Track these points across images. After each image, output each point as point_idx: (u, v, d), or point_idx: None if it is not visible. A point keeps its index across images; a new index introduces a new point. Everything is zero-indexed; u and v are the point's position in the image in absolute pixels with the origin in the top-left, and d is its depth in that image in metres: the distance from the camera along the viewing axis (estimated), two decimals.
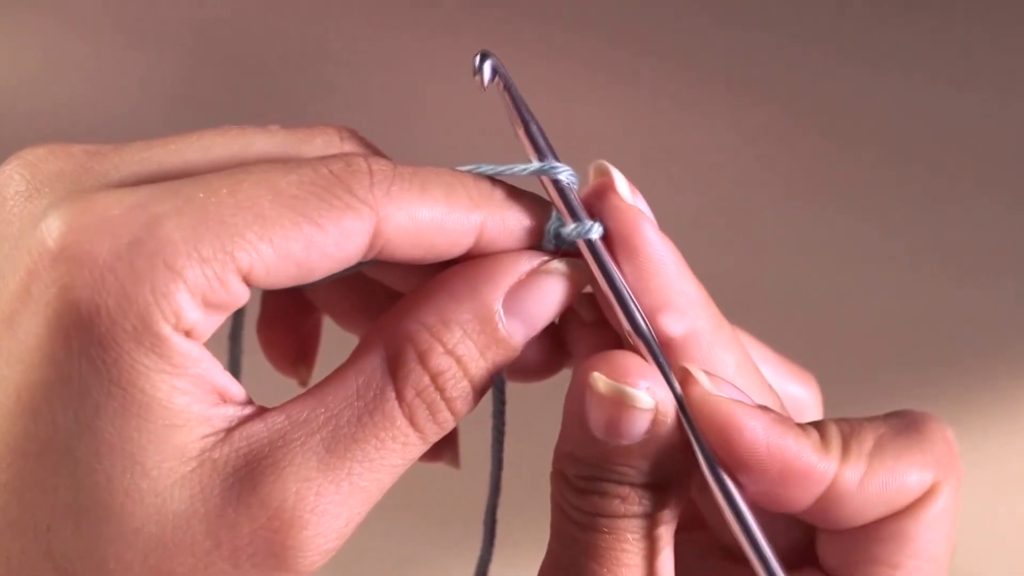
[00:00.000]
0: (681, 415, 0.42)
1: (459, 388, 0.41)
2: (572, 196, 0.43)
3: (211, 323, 0.39)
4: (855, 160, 1.02)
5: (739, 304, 0.53)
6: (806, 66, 1.06)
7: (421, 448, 0.41)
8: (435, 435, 0.41)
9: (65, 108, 1.04)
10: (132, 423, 0.38)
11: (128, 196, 0.39)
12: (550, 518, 0.43)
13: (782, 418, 0.42)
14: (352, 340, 0.44)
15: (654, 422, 0.41)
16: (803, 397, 0.50)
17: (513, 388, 0.46)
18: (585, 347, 0.45)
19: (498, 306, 0.42)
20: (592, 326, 0.45)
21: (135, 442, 0.38)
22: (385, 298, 0.47)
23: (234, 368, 0.51)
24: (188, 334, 0.39)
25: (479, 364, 0.42)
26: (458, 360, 0.41)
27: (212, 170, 0.40)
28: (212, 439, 0.39)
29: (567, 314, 0.44)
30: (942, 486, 0.43)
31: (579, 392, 0.41)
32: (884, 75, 1.06)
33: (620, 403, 0.41)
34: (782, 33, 1.08)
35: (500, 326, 0.42)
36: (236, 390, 0.40)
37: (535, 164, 0.43)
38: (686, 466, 0.42)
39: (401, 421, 0.41)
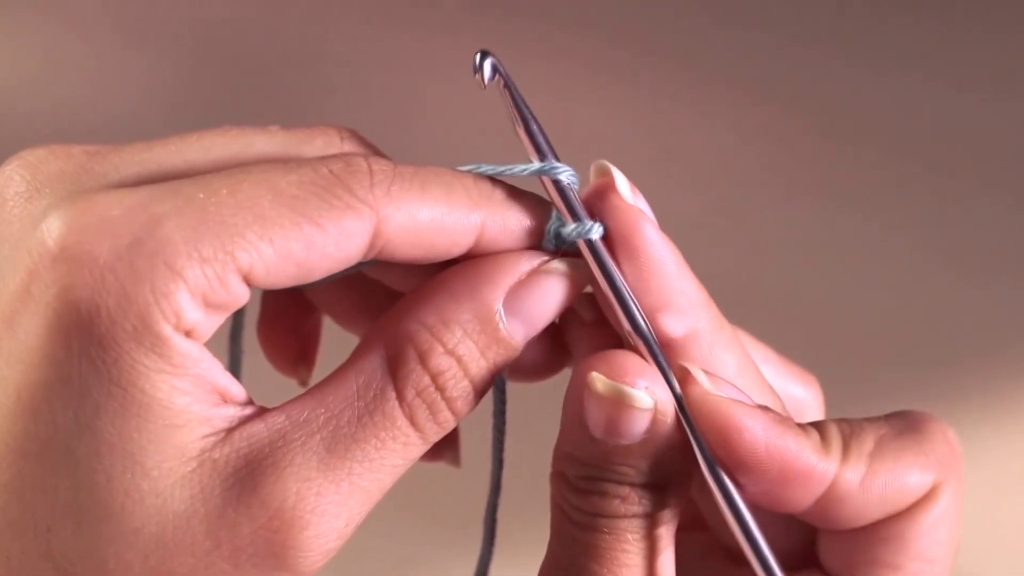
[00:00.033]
0: (680, 415, 0.42)
1: (460, 388, 0.41)
2: (572, 196, 0.43)
3: (211, 323, 0.39)
4: (855, 160, 1.02)
5: (740, 304, 0.53)
6: (806, 66, 1.06)
7: (422, 448, 0.41)
8: (436, 435, 0.41)
9: (65, 109, 1.04)
10: (132, 423, 0.38)
11: (128, 196, 0.39)
12: (550, 518, 0.43)
13: (782, 418, 0.42)
14: (352, 340, 0.44)
15: (654, 422, 0.41)
16: (804, 398, 0.50)
17: (513, 388, 0.46)
18: (585, 347, 0.45)
19: (498, 306, 0.42)
20: (592, 326, 0.45)
21: (135, 442, 0.38)
22: (385, 298, 0.47)
23: (234, 368, 0.51)
24: (188, 334, 0.38)
25: (479, 364, 0.41)
26: (458, 360, 0.41)
27: (212, 170, 0.40)
28: (212, 439, 0.39)
29: (567, 314, 0.44)
30: (943, 487, 0.43)
31: (578, 392, 0.41)
32: (884, 74, 1.06)
33: (619, 403, 0.41)
34: (782, 33, 1.08)
35: (500, 326, 0.42)
36: (236, 390, 0.40)
37: (535, 164, 0.43)
38: (686, 466, 0.42)
39: (401, 421, 0.40)
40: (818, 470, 0.42)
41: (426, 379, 0.41)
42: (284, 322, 0.52)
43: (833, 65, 1.06)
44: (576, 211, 0.42)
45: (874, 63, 1.06)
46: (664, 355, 0.42)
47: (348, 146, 0.44)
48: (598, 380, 0.41)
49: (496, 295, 0.42)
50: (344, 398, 0.40)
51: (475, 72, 0.43)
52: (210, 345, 0.40)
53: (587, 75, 1.05)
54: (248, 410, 0.40)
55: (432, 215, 0.41)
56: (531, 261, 0.42)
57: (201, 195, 0.39)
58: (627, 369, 0.41)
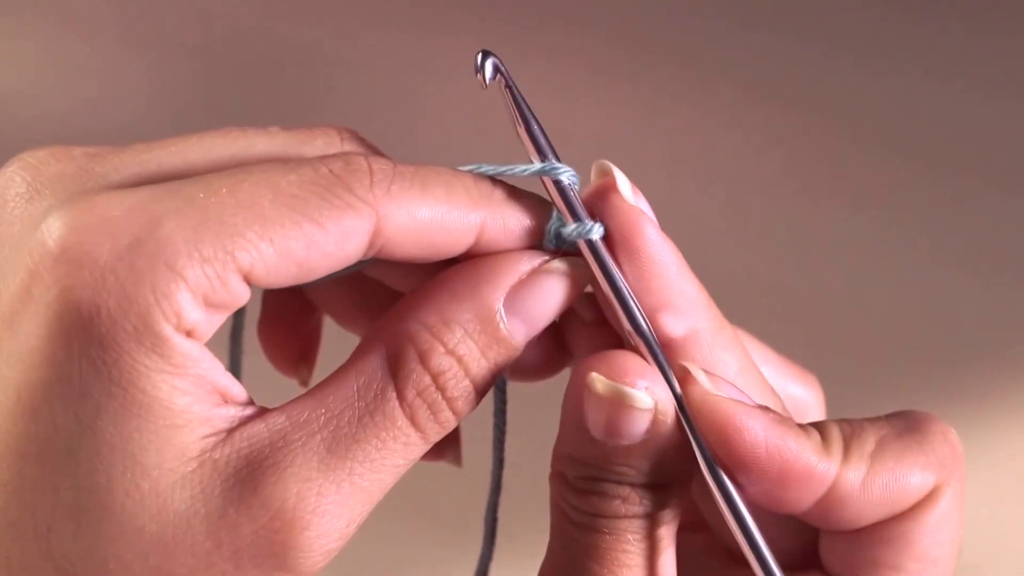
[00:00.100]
0: (680, 415, 0.42)
1: (460, 388, 0.41)
2: (573, 196, 0.43)
3: (212, 323, 0.39)
4: (856, 160, 1.02)
5: (740, 304, 0.53)
6: (808, 65, 1.06)
7: (423, 448, 0.41)
8: (437, 435, 0.41)
9: (68, 113, 1.04)
10: (133, 423, 0.38)
11: (128, 197, 0.39)
12: (549, 519, 0.43)
13: (782, 418, 0.42)
14: (353, 340, 0.44)
15: (654, 422, 0.41)
16: (805, 398, 0.50)
17: (514, 387, 0.46)
18: (585, 347, 0.45)
19: (499, 306, 0.42)
20: (592, 326, 0.45)
21: (136, 442, 0.38)
22: (385, 298, 0.47)
23: (235, 368, 0.51)
24: (189, 334, 0.38)
25: (480, 364, 0.41)
26: (459, 360, 0.41)
27: (213, 171, 0.40)
28: (213, 439, 0.39)
29: (568, 314, 0.44)
30: (944, 488, 0.43)
31: (577, 393, 0.41)
32: (886, 73, 1.05)
33: (619, 403, 0.41)
34: (784, 32, 1.08)
35: (501, 326, 0.42)
36: (237, 391, 0.40)
37: (536, 165, 0.43)
38: (687, 466, 0.42)
39: (402, 421, 0.40)
40: (819, 470, 0.42)
41: (427, 379, 0.41)
42: (285, 322, 0.52)
43: (835, 65, 1.06)
44: (577, 211, 0.42)
45: (876, 62, 1.06)
46: (664, 355, 0.42)
47: (348, 146, 0.44)
48: (598, 381, 0.41)
49: (497, 295, 0.42)
50: (345, 398, 0.40)
51: (476, 72, 0.43)
52: (211, 345, 0.40)
53: (588, 75, 1.05)
54: (249, 410, 0.40)
55: (432, 214, 0.41)
56: (532, 261, 0.42)
57: (201, 195, 0.39)
58: (627, 369, 0.41)
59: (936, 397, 0.89)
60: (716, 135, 1.03)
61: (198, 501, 0.39)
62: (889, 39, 1.07)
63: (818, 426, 0.43)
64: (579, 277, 0.43)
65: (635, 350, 0.42)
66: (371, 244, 0.40)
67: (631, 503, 0.41)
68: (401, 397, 0.41)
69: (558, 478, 0.42)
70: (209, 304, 0.39)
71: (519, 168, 0.43)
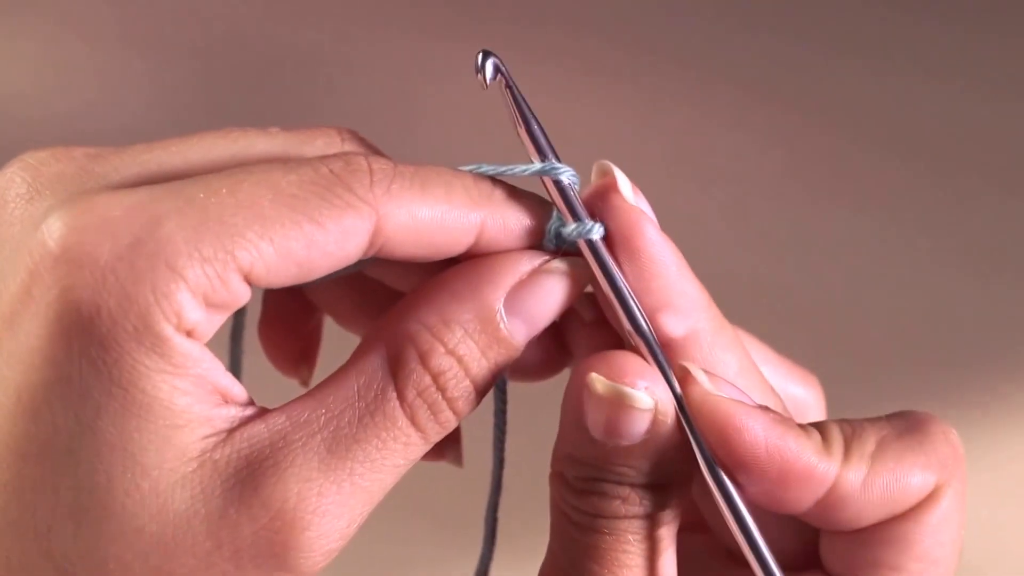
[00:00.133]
0: (680, 415, 0.42)
1: (461, 388, 0.41)
2: (573, 196, 0.43)
3: (212, 323, 0.39)
4: (856, 160, 1.02)
5: (741, 304, 0.53)
6: (808, 66, 1.06)
7: (423, 448, 0.41)
8: (437, 435, 0.41)
9: (69, 115, 1.04)
10: (133, 423, 0.38)
11: (128, 197, 0.39)
12: (549, 519, 0.43)
13: (783, 419, 0.42)
14: (353, 340, 0.44)
15: (654, 422, 0.41)
16: (805, 398, 0.50)
17: (514, 387, 0.46)
18: (585, 347, 0.45)
19: (499, 306, 0.42)
20: (592, 326, 0.45)
21: (136, 442, 0.38)
22: (386, 298, 0.47)
23: (235, 369, 0.51)
24: (190, 334, 0.38)
25: (481, 364, 0.41)
26: (459, 360, 0.41)
27: (213, 171, 0.40)
28: (213, 440, 0.39)
29: (568, 314, 0.44)
30: (945, 488, 0.43)
31: (577, 393, 0.41)
32: (887, 73, 1.05)
33: (618, 404, 0.41)
34: (784, 32, 1.08)
35: (501, 326, 0.42)
36: (238, 391, 0.40)
37: (536, 165, 0.43)
38: (687, 466, 0.42)
39: (403, 421, 0.40)
40: (819, 471, 0.42)
41: (427, 379, 0.41)
42: (285, 322, 0.52)
43: (835, 65, 1.06)
44: (577, 211, 0.42)
45: (877, 62, 1.06)
46: (664, 355, 0.42)
47: (349, 147, 0.44)
48: (597, 381, 0.41)
49: (497, 295, 0.42)
50: (345, 398, 0.40)
51: (477, 72, 0.43)
52: (211, 345, 0.40)
53: (588, 75, 1.05)
54: (249, 411, 0.40)
55: (432, 213, 0.41)
56: (532, 261, 0.42)
57: (201, 195, 0.39)
58: (627, 370, 0.41)
59: (936, 397, 0.89)
60: (716, 135, 1.03)
61: (198, 501, 0.39)
62: (890, 39, 1.07)
63: (818, 426, 0.43)
64: (579, 277, 0.43)
65: (635, 350, 0.42)
66: (371, 243, 0.40)
67: (631, 503, 0.41)
68: (401, 397, 0.41)
69: (558, 478, 0.42)
70: (209, 304, 0.39)
71: (519, 168, 0.43)
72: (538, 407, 0.51)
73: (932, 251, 0.97)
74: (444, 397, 0.41)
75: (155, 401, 0.38)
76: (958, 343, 0.93)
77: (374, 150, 0.44)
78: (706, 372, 0.42)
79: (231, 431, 0.40)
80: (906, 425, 0.44)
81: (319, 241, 0.39)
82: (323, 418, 0.40)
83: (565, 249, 0.43)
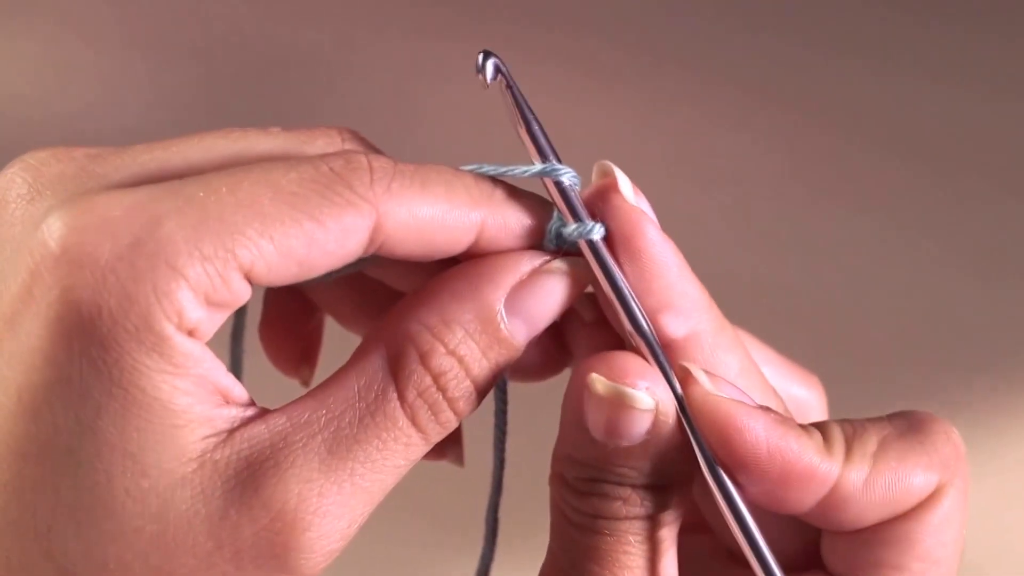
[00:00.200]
0: (681, 415, 0.41)
1: (461, 388, 0.41)
2: (574, 197, 0.43)
3: (213, 322, 0.39)
4: (858, 160, 1.02)
5: (742, 305, 0.53)
6: (810, 67, 1.06)
7: (424, 448, 0.41)
8: (437, 435, 0.41)
9: (70, 116, 1.04)
10: (133, 423, 0.38)
11: (128, 196, 0.39)
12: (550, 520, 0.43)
13: (784, 419, 0.42)
14: (354, 340, 0.44)
15: (655, 423, 0.41)
16: (807, 399, 0.50)
17: (515, 387, 0.46)
18: (586, 347, 0.45)
19: (500, 306, 0.42)
20: (593, 326, 0.45)
21: (136, 442, 0.38)
22: (386, 298, 0.47)
23: (236, 369, 0.51)
24: (191, 333, 0.38)
25: (481, 364, 0.41)
26: (460, 360, 0.41)
27: (213, 171, 0.40)
28: (214, 440, 0.39)
29: (568, 314, 0.44)
30: (947, 488, 0.43)
31: (577, 393, 0.41)
32: (890, 74, 1.05)
33: (619, 404, 0.41)
34: (786, 34, 1.08)
35: (502, 326, 0.42)
36: (238, 391, 0.40)
37: (537, 166, 0.43)
38: (688, 467, 0.42)
39: (403, 422, 0.40)
40: (821, 471, 0.42)
41: (428, 380, 0.41)
42: (286, 322, 0.52)
43: (837, 66, 1.06)
44: (577, 211, 0.42)
45: (879, 64, 1.06)
46: (665, 356, 0.42)
47: (349, 147, 0.44)
48: (598, 381, 0.41)
49: (498, 295, 0.42)
50: (345, 399, 0.40)
51: (477, 72, 0.43)
52: (212, 346, 0.40)
53: (589, 76, 1.05)
54: (250, 411, 0.40)
55: (432, 212, 0.41)
56: (532, 261, 0.42)
57: (201, 194, 0.39)
58: (627, 370, 0.41)
59: (937, 397, 0.89)
60: (717, 136, 1.03)
61: (198, 501, 0.39)
62: (891, 41, 1.07)
63: (819, 426, 0.43)
64: (580, 277, 0.43)
65: (636, 351, 0.42)
66: (371, 241, 0.40)
67: (632, 504, 0.41)
68: (402, 398, 0.40)
69: (558, 479, 0.42)
70: (210, 303, 0.39)
71: (520, 169, 0.43)
72: (538, 407, 0.51)
73: (933, 251, 0.97)
74: (445, 397, 0.41)
75: (155, 401, 0.38)
76: (959, 343, 0.93)
77: (375, 150, 0.44)
78: (707, 373, 0.42)
79: (232, 432, 0.39)
80: (907, 425, 0.44)
81: (319, 239, 0.39)
82: (324, 419, 0.40)
83: (566, 249, 0.43)
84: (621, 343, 0.43)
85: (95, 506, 0.38)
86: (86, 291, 0.38)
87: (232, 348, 0.50)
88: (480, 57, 0.43)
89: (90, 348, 0.38)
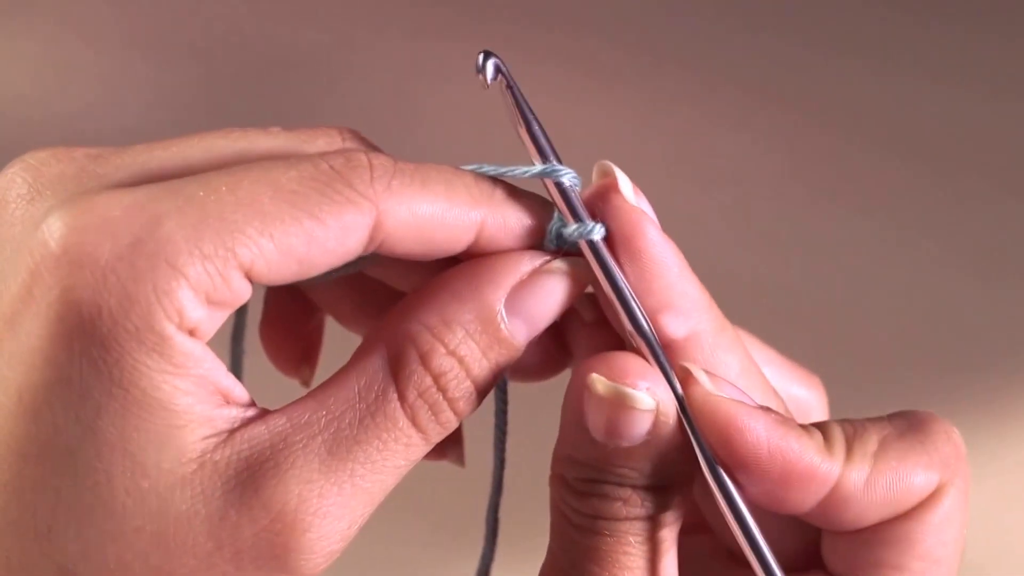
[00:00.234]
0: (681, 416, 0.41)
1: (462, 388, 0.41)
2: (574, 197, 0.43)
3: (214, 321, 0.39)
4: (858, 161, 1.02)
5: (743, 305, 0.53)
6: (810, 67, 1.06)
7: (424, 449, 0.41)
8: (438, 436, 0.41)
9: (70, 116, 1.04)
10: (133, 423, 0.38)
11: (128, 196, 0.39)
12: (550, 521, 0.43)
13: (784, 419, 0.42)
14: (355, 340, 0.44)
15: (655, 423, 0.41)
16: (808, 399, 0.50)
17: (515, 387, 0.46)
18: (586, 347, 0.45)
19: (500, 306, 0.42)
20: (593, 326, 0.45)
21: (136, 442, 0.38)
22: (387, 298, 0.47)
23: (236, 369, 0.51)
24: (191, 333, 0.38)
25: (481, 364, 0.41)
26: (460, 360, 0.41)
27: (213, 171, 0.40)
28: (214, 440, 0.39)
29: (569, 314, 0.44)
30: (948, 487, 0.43)
31: (577, 394, 0.41)
32: (891, 74, 1.05)
33: (619, 404, 0.41)
34: (786, 34, 1.08)
35: (502, 326, 0.42)
36: (239, 392, 0.40)
37: (538, 167, 0.43)
38: (688, 467, 0.42)
39: (403, 422, 0.40)
40: (821, 471, 0.42)
41: (428, 380, 0.41)
42: (287, 322, 0.52)
43: (837, 66, 1.06)
44: (578, 211, 0.42)
45: (879, 64, 1.06)
46: (666, 356, 0.42)
47: (350, 146, 0.44)
48: (598, 382, 0.41)
49: (498, 295, 0.42)
50: (345, 400, 0.40)
51: (478, 72, 0.43)
52: (212, 346, 0.40)
53: (590, 76, 1.05)
54: (250, 412, 0.40)
55: (432, 211, 0.41)
56: (533, 261, 0.42)
57: (201, 193, 0.39)
58: (628, 370, 0.41)
59: (938, 397, 0.89)
60: (718, 136, 1.03)
61: (198, 502, 0.39)
62: (892, 41, 1.07)
63: (820, 426, 0.43)
64: (580, 277, 0.43)
65: (636, 351, 0.42)
66: (371, 239, 0.40)
67: (632, 505, 0.41)
68: (402, 398, 0.40)
69: (558, 480, 0.42)
70: (211, 302, 0.39)
71: (520, 169, 0.43)
72: (539, 407, 0.51)
73: (933, 251, 0.97)
74: (445, 398, 0.41)
75: (155, 401, 0.38)
76: (960, 344, 0.93)
77: (375, 149, 0.44)
78: (707, 373, 0.42)
79: (232, 432, 0.39)
80: (908, 424, 0.44)
81: (319, 237, 0.39)
82: (324, 419, 0.40)
83: (566, 249, 0.43)
84: (621, 343, 0.43)
85: (95, 506, 0.38)
86: (86, 291, 0.38)
87: (232, 348, 0.50)
88: (480, 57, 0.43)
89: (90, 348, 0.38)
